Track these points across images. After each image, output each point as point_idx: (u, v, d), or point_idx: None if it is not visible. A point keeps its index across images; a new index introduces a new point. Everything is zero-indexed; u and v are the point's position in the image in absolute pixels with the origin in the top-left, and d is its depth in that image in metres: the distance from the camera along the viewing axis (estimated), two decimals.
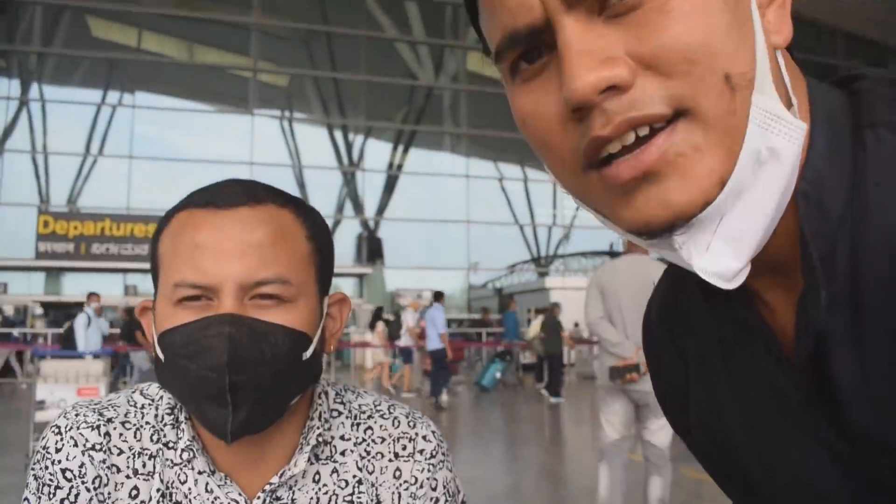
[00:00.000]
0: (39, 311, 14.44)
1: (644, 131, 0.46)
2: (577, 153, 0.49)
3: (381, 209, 23.81)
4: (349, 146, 23.94)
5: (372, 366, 15.21)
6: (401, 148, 24.68)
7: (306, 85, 23.92)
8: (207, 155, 22.25)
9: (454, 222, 23.85)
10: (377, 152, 24.60)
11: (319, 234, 0.89)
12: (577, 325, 16.56)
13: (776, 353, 0.57)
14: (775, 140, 0.48)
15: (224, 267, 0.79)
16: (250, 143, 22.54)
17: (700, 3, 0.46)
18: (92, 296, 11.04)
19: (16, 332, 16.84)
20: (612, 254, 25.65)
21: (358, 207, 23.63)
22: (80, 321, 7.28)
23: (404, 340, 14.03)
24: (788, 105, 0.50)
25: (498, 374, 13.80)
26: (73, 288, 21.29)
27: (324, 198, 23.28)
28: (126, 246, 19.82)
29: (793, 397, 0.57)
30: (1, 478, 5.83)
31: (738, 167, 0.47)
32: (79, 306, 18.79)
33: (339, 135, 23.87)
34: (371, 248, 23.26)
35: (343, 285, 23.32)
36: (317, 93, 23.86)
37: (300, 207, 0.89)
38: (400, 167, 24.51)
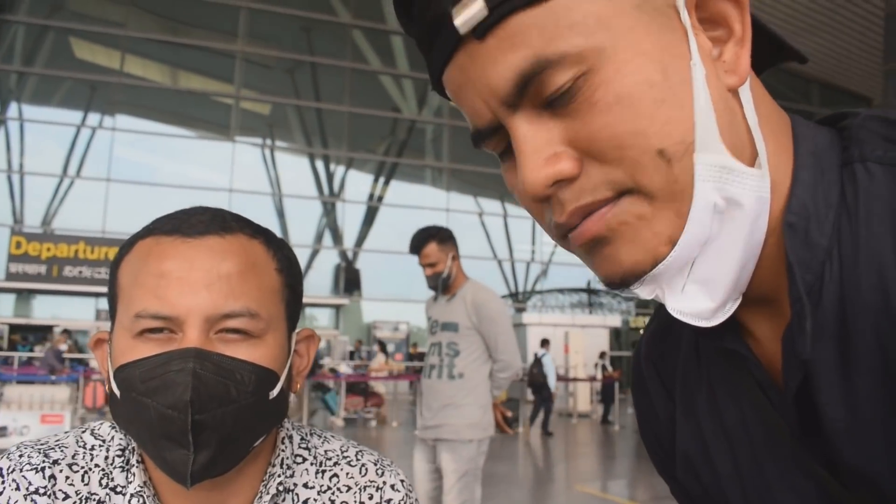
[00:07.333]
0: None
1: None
2: (551, 227, 0.54)
3: (360, 240, 23.76)
4: (330, 176, 23.94)
5: None
6: (382, 180, 24.72)
7: (289, 114, 23.97)
8: (187, 181, 22.14)
9: None
10: (358, 183, 24.61)
11: (289, 267, 0.86)
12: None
13: (765, 384, 0.57)
14: (731, 190, 0.49)
15: (190, 298, 0.75)
16: (230, 170, 22.47)
17: (624, 90, 0.47)
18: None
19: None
20: (590, 291, 25.78)
21: (337, 238, 23.56)
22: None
23: None
24: (751, 148, 0.51)
25: None
26: (44, 311, 20.94)
27: (303, 227, 23.21)
28: (99, 270, 19.55)
29: (780, 430, 0.56)
30: None
31: (689, 224, 0.49)
32: (48, 329, 18.58)
33: (320, 165, 23.87)
34: (349, 279, 23.15)
35: (319, 316, 23.16)
36: (299, 122, 23.91)
37: (270, 239, 0.85)
38: (381, 199, 24.52)
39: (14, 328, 19.51)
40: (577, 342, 17.90)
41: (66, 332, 17.67)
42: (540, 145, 0.50)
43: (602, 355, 16.26)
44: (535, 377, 13.32)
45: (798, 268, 0.51)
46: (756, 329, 0.58)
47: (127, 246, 0.83)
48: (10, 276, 19.25)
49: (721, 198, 0.49)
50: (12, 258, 19.24)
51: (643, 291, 0.52)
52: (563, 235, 0.53)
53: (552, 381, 13.38)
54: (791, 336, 0.52)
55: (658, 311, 0.75)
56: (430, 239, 3.58)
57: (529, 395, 14.40)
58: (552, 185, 0.49)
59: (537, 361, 13.58)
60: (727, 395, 0.62)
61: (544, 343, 14.26)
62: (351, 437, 0.97)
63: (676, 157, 0.48)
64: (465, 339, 3.47)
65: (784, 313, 0.53)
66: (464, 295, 3.52)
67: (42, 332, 19.07)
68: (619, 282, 0.51)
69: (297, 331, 0.88)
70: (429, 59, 0.54)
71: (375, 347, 14.87)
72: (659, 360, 0.72)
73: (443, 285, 3.57)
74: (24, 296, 20.60)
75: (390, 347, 20.82)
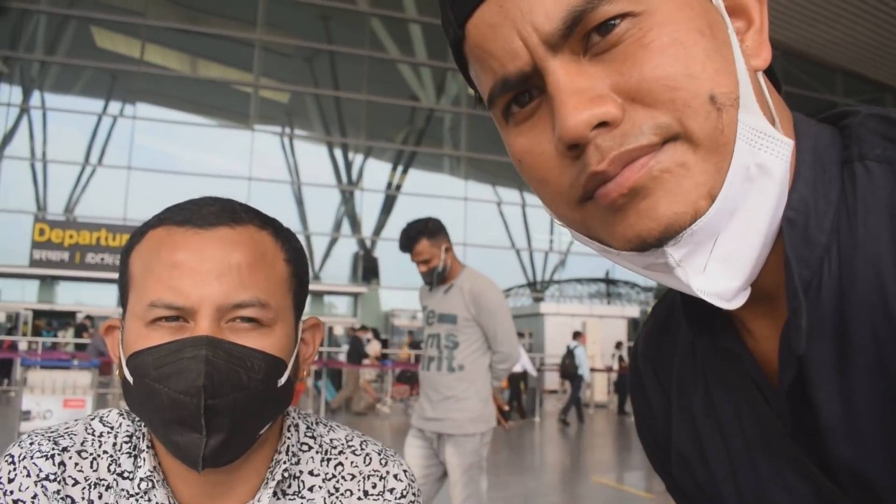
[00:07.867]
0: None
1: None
2: (574, 187, 0.51)
3: (378, 229, 23.81)
4: (349, 165, 23.99)
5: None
6: (400, 168, 24.73)
7: (307, 102, 24.02)
8: (206, 169, 22.29)
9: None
10: (376, 172, 24.65)
11: (297, 258, 0.88)
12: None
13: (761, 383, 0.57)
14: (763, 157, 0.49)
15: (202, 288, 0.77)
16: (249, 159, 22.57)
17: (677, 34, 0.48)
18: None
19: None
20: (609, 281, 25.70)
21: (355, 226, 23.62)
22: None
23: None
24: (772, 124, 0.51)
25: None
26: (67, 297, 21.21)
27: (321, 215, 23.30)
28: None
29: (775, 429, 0.56)
30: None
31: (727, 182, 0.48)
32: (71, 315, 18.83)
33: (338, 153, 23.92)
34: (367, 268, 23.21)
35: (338, 304, 23.27)
36: (318, 110, 23.94)
37: (279, 229, 0.88)
38: (399, 188, 24.54)
39: (38, 314, 19.79)
40: (595, 332, 17.88)
41: (89, 317, 17.89)
42: (582, 86, 0.48)
43: (618, 345, 16.24)
44: (568, 368, 13.66)
45: (796, 264, 0.51)
46: (755, 327, 0.58)
47: (138, 235, 0.84)
48: (34, 263, 19.50)
49: (754, 163, 0.49)
50: (36, 245, 19.48)
51: (676, 252, 0.49)
52: (587, 195, 0.51)
53: (586, 371, 13.83)
54: (788, 333, 0.52)
55: (655, 308, 0.75)
56: (420, 236, 3.45)
57: (549, 385, 14.42)
58: (594, 129, 0.48)
59: (570, 353, 13.88)
60: (723, 393, 0.62)
61: (577, 335, 14.68)
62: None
63: (725, 106, 0.48)
64: (464, 332, 3.39)
65: (783, 311, 0.53)
66: (461, 285, 3.42)
67: (65, 318, 19.32)
68: (657, 238, 0.48)
69: (303, 319, 0.90)
70: (456, 1, 0.53)
71: (369, 335, 14.93)
72: (656, 358, 0.72)
73: (438, 278, 3.48)
74: (47, 282, 20.88)
75: (406, 336, 20.89)
